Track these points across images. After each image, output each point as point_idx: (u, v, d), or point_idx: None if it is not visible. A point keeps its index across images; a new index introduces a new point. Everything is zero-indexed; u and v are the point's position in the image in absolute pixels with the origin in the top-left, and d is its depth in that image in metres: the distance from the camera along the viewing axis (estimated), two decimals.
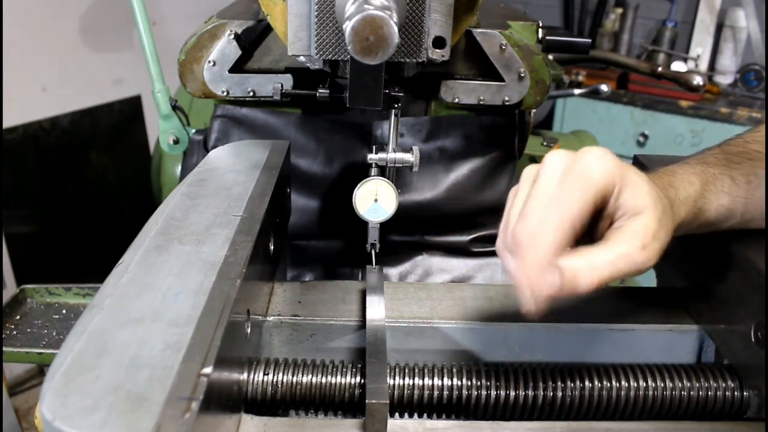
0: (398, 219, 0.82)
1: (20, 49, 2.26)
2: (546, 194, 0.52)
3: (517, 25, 0.95)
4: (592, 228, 0.56)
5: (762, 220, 0.67)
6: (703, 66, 3.25)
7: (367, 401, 0.57)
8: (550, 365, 0.67)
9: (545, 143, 1.74)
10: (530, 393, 0.64)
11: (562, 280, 0.50)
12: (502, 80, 0.93)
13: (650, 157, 0.82)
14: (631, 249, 0.53)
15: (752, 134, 0.71)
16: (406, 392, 0.64)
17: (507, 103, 0.94)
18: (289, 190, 0.92)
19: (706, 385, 0.65)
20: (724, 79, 3.17)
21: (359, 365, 0.65)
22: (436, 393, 0.64)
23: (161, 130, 1.13)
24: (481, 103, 0.94)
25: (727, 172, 0.65)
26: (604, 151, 0.54)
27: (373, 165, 0.81)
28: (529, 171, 0.58)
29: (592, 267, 0.52)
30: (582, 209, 0.51)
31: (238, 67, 0.92)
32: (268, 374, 0.63)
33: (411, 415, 0.65)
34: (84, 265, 2.53)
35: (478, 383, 0.64)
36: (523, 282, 0.51)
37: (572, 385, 0.64)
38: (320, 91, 0.85)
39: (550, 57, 1.38)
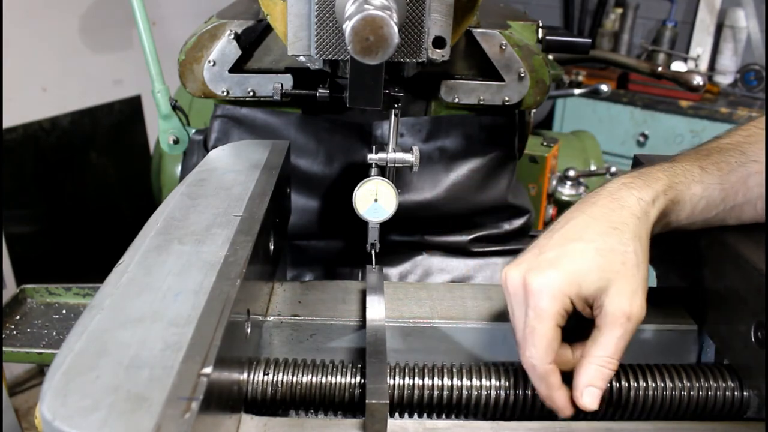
0: (398, 219, 0.82)
1: (20, 49, 2.26)
2: (520, 329, 0.61)
3: (517, 25, 0.95)
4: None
5: (750, 207, 0.68)
6: (703, 66, 3.25)
7: (367, 401, 0.57)
8: None
9: (545, 143, 1.74)
10: (530, 393, 0.64)
11: (592, 395, 0.60)
12: (502, 80, 0.92)
13: (650, 157, 0.82)
14: (620, 329, 0.59)
15: (726, 133, 0.73)
16: (406, 392, 0.64)
17: (507, 103, 0.94)
18: (289, 190, 0.92)
19: (706, 385, 0.65)
20: (724, 79, 3.17)
21: (359, 365, 0.65)
22: (436, 393, 0.64)
23: (161, 130, 1.13)
24: (481, 103, 0.94)
25: (695, 163, 0.68)
26: (546, 276, 0.59)
27: (373, 165, 0.81)
28: (506, 290, 0.64)
29: (601, 370, 0.59)
30: (549, 336, 0.59)
31: (238, 67, 0.92)
32: (268, 374, 0.63)
33: (411, 415, 0.65)
34: (84, 265, 2.53)
35: (478, 383, 0.64)
36: (548, 403, 0.61)
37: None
38: (320, 91, 0.85)
39: (550, 57, 1.38)
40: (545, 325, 0.59)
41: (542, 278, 0.60)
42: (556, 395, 0.60)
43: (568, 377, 0.62)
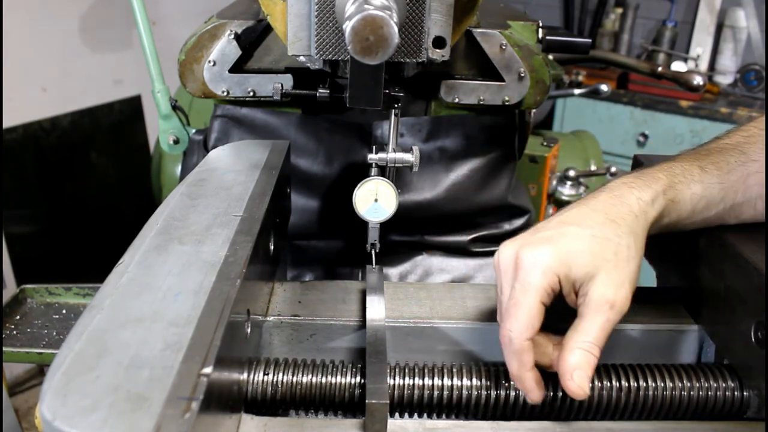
0: (398, 219, 0.82)
1: (20, 49, 2.26)
2: (505, 303, 0.61)
3: (517, 25, 0.95)
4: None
5: (749, 206, 0.68)
6: (703, 66, 3.25)
7: (367, 401, 0.57)
8: None
9: (545, 143, 1.74)
10: None
11: (581, 378, 0.58)
12: (502, 80, 0.92)
13: (650, 158, 0.82)
14: (602, 316, 0.59)
15: (726, 133, 0.73)
16: (406, 392, 0.64)
17: (507, 103, 0.94)
18: (289, 190, 0.92)
19: (706, 385, 0.65)
20: (724, 79, 3.17)
21: (359, 365, 0.65)
22: (436, 393, 0.64)
23: (161, 130, 1.13)
24: (481, 103, 0.94)
25: (695, 163, 0.68)
26: (539, 251, 0.60)
27: (373, 165, 0.81)
28: (497, 266, 0.64)
29: (586, 355, 0.58)
30: (533, 310, 0.59)
31: (238, 67, 0.92)
32: (268, 374, 0.63)
33: (411, 415, 0.65)
34: (84, 265, 2.53)
35: (478, 383, 0.64)
36: (518, 383, 0.61)
37: None
38: (320, 91, 0.85)
39: (550, 57, 1.38)
40: (530, 298, 0.59)
41: (535, 253, 0.60)
42: (526, 375, 0.60)
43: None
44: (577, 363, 0.58)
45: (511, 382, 0.64)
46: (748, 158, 0.68)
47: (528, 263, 0.60)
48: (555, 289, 0.60)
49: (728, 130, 0.74)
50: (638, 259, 0.62)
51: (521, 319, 0.59)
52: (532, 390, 0.60)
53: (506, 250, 0.63)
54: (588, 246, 0.60)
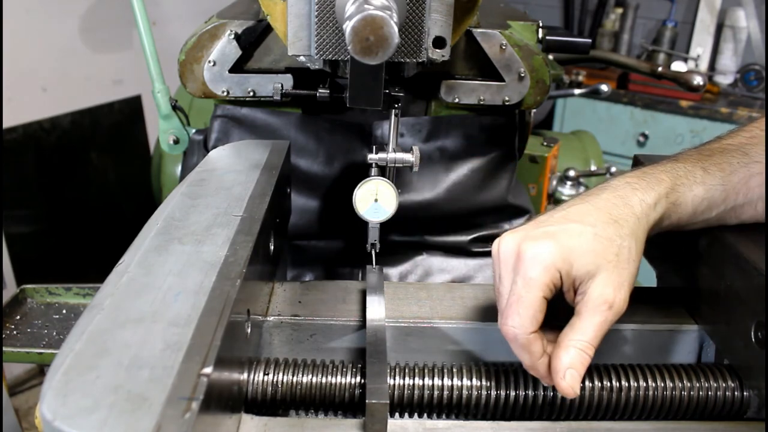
0: (398, 219, 0.82)
1: (20, 49, 2.26)
2: (505, 297, 0.61)
3: (517, 25, 0.95)
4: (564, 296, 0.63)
5: (750, 207, 0.68)
6: (703, 66, 3.25)
7: (367, 401, 0.57)
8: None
9: (545, 143, 1.74)
10: (530, 393, 0.64)
11: (573, 377, 0.58)
12: (502, 80, 0.92)
13: (650, 157, 0.82)
14: (599, 317, 0.59)
15: (729, 133, 0.73)
16: (406, 392, 0.64)
17: (507, 103, 0.94)
18: (289, 190, 0.92)
19: (706, 385, 0.65)
20: (724, 79, 3.17)
21: (359, 365, 0.65)
22: (436, 393, 0.64)
23: (161, 130, 1.13)
24: (482, 103, 0.94)
25: (698, 164, 0.68)
26: (541, 246, 0.60)
27: (373, 165, 0.81)
28: (496, 257, 0.64)
29: (580, 354, 0.58)
30: (536, 305, 0.59)
31: (238, 67, 0.92)
32: (268, 374, 0.63)
33: (411, 415, 0.65)
34: (84, 265, 2.53)
35: (478, 383, 0.64)
36: (534, 373, 0.61)
37: None
38: (320, 91, 0.85)
39: (550, 57, 1.38)
40: (533, 294, 0.59)
41: (537, 247, 0.60)
42: (539, 363, 0.60)
43: None
44: (571, 362, 0.58)
45: (511, 382, 0.64)
46: (750, 159, 0.68)
47: (530, 257, 0.60)
48: (557, 284, 0.60)
49: (731, 129, 0.74)
50: (638, 262, 0.62)
51: (525, 314, 0.59)
52: (547, 377, 0.60)
53: (508, 240, 0.62)
54: (590, 245, 0.60)
